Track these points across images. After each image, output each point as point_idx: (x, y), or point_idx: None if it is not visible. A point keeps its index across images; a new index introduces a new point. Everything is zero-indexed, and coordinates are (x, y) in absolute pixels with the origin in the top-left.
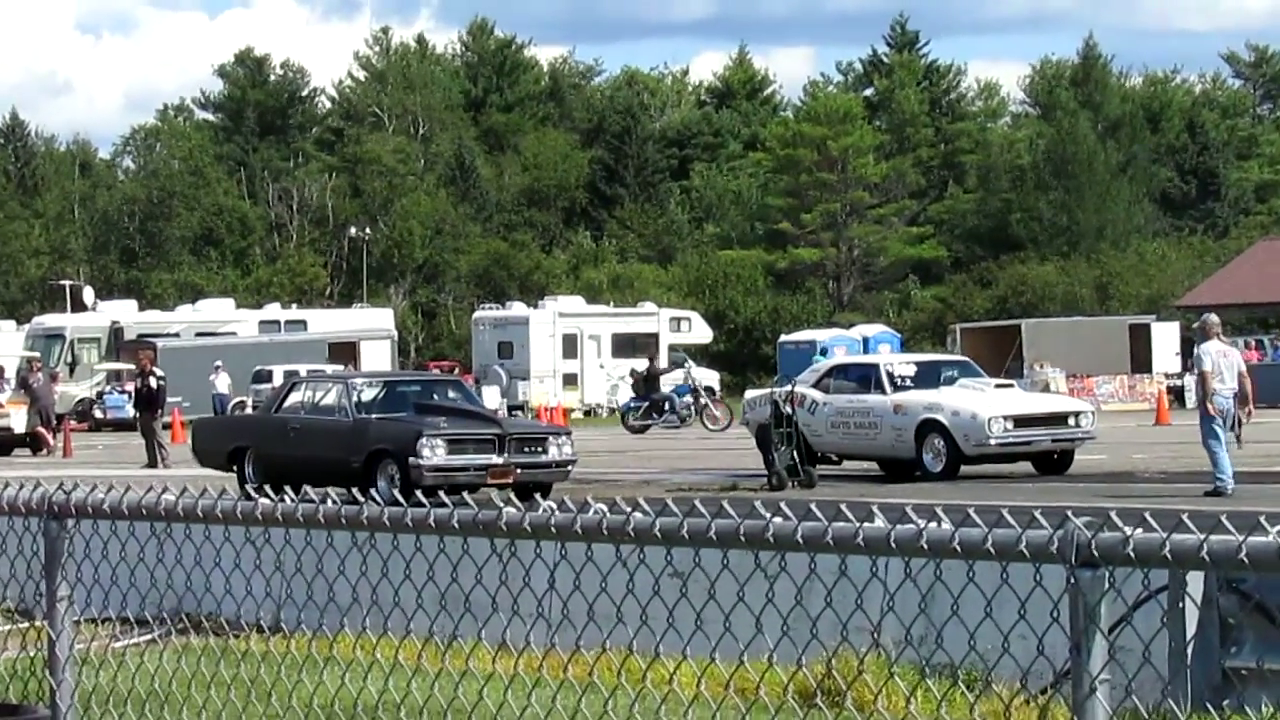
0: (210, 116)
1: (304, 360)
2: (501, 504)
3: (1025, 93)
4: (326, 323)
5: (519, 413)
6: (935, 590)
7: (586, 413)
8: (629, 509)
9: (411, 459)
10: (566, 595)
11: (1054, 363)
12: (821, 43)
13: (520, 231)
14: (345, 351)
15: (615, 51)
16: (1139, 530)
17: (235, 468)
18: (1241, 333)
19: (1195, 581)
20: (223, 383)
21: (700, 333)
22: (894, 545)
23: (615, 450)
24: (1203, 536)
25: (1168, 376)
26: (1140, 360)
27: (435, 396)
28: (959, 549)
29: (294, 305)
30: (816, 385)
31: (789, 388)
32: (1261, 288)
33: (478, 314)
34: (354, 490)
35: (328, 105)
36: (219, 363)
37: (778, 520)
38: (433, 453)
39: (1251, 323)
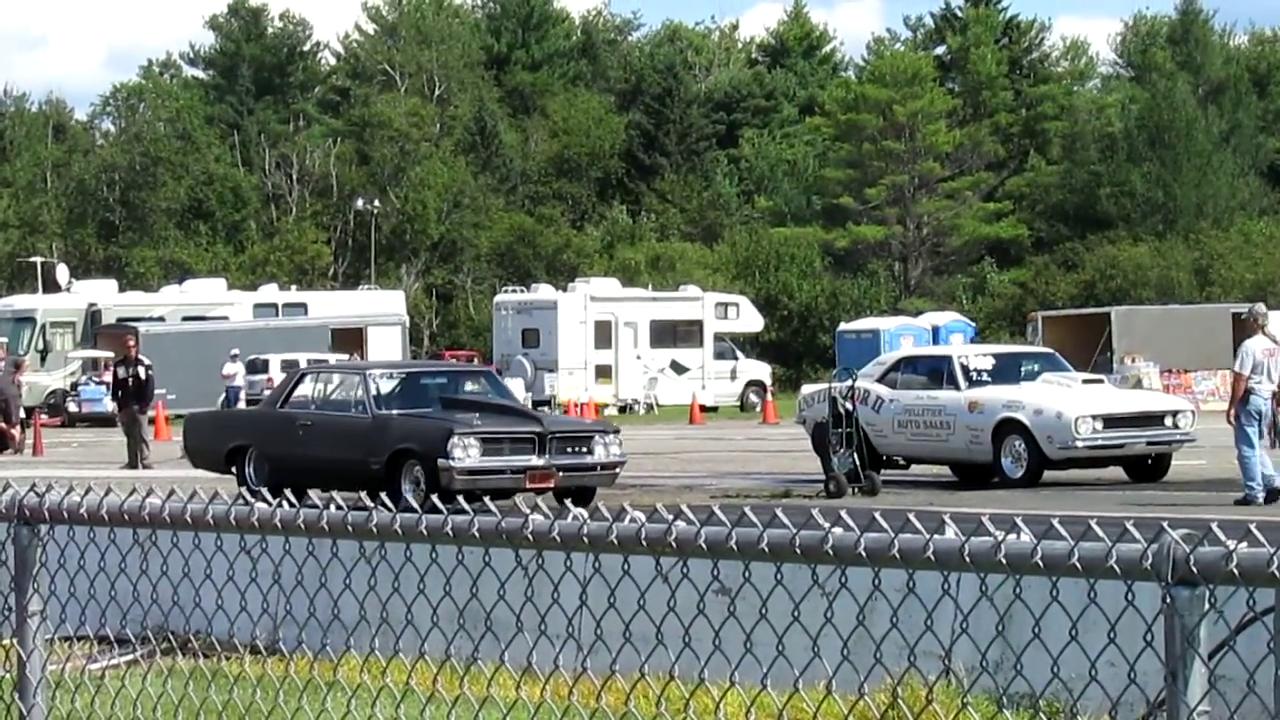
0: (200, 74)
1: (304, 348)
2: (528, 510)
3: (1116, 52)
4: (329, 306)
5: (546, 409)
6: (1014, 610)
7: (622, 409)
8: (670, 517)
9: (441, 460)
10: (600, 613)
11: (1147, 355)
12: None
13: (548, 205)
14: (350, 339)
15: (655, 3)
16: (1243, 544)
17: (234, 469)
18: None
19: None
20: (240, 373)
21: (749, 320)
22: (968, 559)
23: (654, 451)
24: None
25: None
26: None
27: (464, 390)
28: (1041, 564)
29: (293, 286)
30: (881, 380)
31: (849, 382)
32: None
33: (499, 298)
34: (363, 495)
35: (332, 62)
36: (236, 350)
37: (838, 531)
38: (465, 453)
39: None
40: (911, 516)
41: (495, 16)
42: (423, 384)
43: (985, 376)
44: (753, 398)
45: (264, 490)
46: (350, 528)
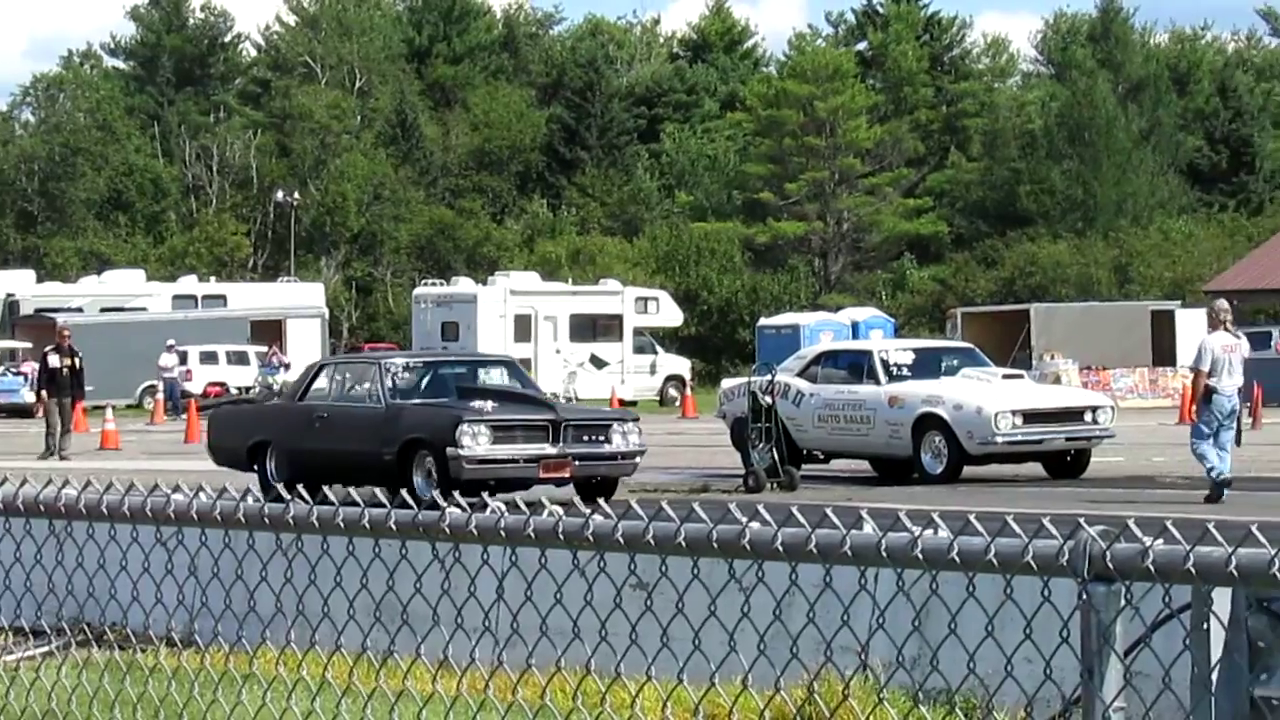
0: (121, 64)
1: (223, 340)
2: (445, 505)
3: (1037, 50)
4: (249, 298)
5: None
6: (930, 606)
7: None
8: (587, 511)
9: (449, 449)
10: (516, 607)
11: (1066, 352)
12: None
13: (468, 198)
14: (269, 331)
15: None
16: (1159, 541)
17: (256, 466)
18: (1277, 321)
19: (1222, 599)
20: (177, 365)
21: (669, 314)
22: (885, 555)
23: None
24: (1231, 549)
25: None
26: (1163, 351)
27: (484, 379)
28: (958, 560)
29: (212, 278)
30: (801, 374)
31: (769, 377)
32: None
33: (419, 290)
34: (366, 489)
35: (253, 53)
36: (172, 341)
37: (755, 525)
38: (474, 441)
39: None
40: (829, 512)
41: (416, 9)
42: (441, 373)
43: (905, 371)
44: (672, 392)
45: (280, 488)
46: (266, 520)
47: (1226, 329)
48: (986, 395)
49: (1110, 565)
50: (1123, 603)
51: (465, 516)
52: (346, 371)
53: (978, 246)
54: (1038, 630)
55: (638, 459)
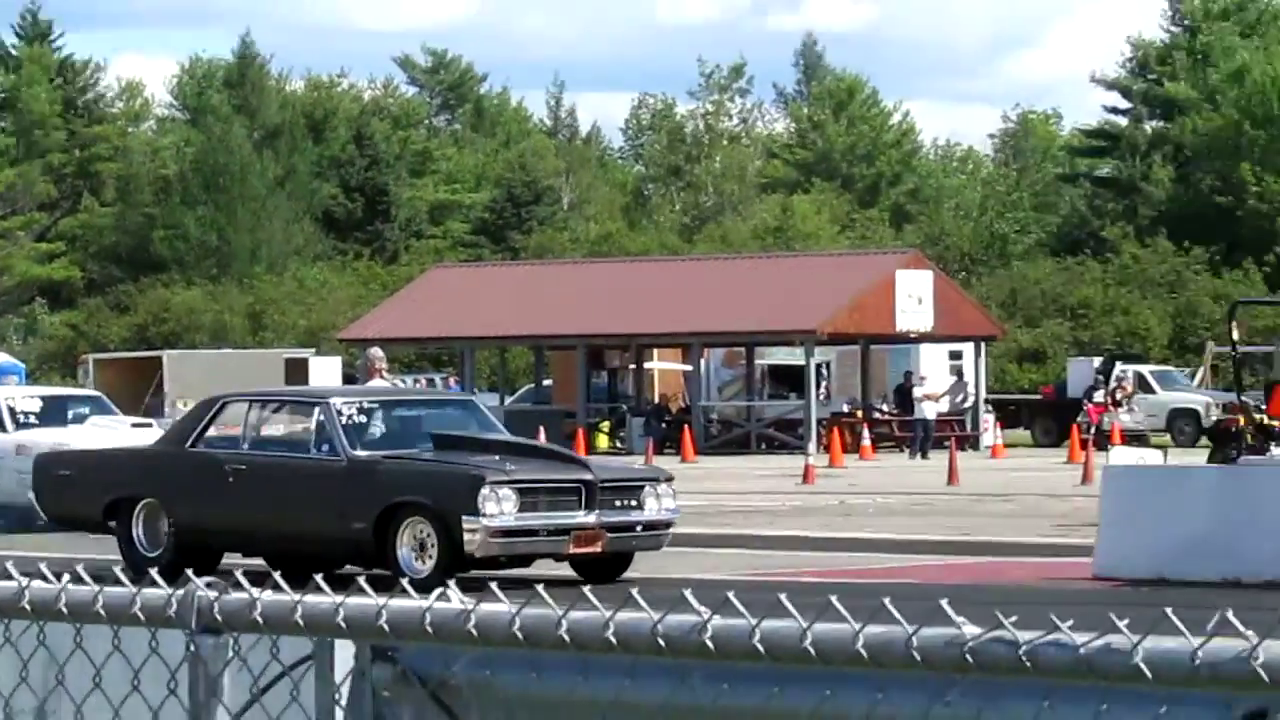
0: None
1: None
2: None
3: (173, 95)
4: None
5: None
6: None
7: None
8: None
9: (467, 518)
10: None
11: (199, 398)
12: None
13: None
14: None
15: None
16: (268, 593)
17: (116, 525)
18: (412, 370)
19: (345, 651)
20: None
21: None
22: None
23: None
24: (338, 600)
25: None
26: None
27: (452, 424)
28: (65, 611)
29: None
30: None
31: None
32: (434, 319)
33: None
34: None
35: None
36: None
37: None
38: (499, 508)
39: (423, 359)
40: None
41: None
42: (402, 416)
43: (33, 419)
44: None
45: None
46: None
47: (383, 377)
48: (110, 442)
49: (219, 617)
50: (231, 654)
51: None
52: (272, 409)
53: (111, 292)
54: (148, 682)
55: (669, 531)
